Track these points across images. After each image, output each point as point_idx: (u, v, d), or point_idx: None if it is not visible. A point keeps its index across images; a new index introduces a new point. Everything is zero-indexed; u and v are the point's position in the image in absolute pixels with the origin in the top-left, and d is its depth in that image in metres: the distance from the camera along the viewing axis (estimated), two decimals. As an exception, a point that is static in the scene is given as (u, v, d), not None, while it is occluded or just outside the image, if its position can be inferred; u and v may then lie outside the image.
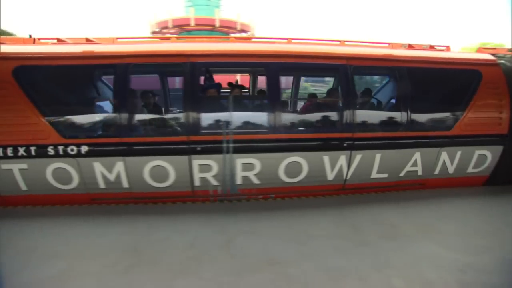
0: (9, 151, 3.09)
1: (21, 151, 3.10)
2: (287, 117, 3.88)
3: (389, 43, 4.31)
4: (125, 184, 3.32)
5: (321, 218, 3.17)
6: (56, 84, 3.51)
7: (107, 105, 3.74)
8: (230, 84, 4.85)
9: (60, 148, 3.14)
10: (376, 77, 6.39)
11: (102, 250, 2.53)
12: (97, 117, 3.54)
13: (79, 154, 3.16)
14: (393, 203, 3.62)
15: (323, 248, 2.60)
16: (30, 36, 3.64)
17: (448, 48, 4.54)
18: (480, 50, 4.64)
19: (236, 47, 3.96)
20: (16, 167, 3.14)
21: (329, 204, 3.58)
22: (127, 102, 3.41)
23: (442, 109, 4.04)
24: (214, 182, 3.44)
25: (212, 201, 3.58)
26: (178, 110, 4.44)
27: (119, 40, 3.87)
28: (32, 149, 3.11)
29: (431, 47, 4.45)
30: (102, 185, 3.29)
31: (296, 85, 5.70)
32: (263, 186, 3.55)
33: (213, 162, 3.33)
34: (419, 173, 3.87)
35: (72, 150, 3.15)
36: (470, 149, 3.90)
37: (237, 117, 3.51)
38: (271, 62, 3.57)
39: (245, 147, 3.37)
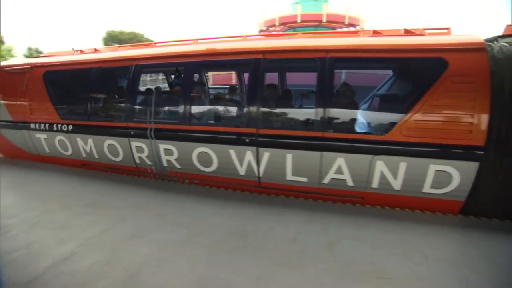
0: (40, 126, 4.74)
1: (42, 126, 4.72)
2: (197, 110, 3.94)
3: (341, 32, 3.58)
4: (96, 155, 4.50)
5: (441, 238, 2.65)
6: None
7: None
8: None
9: (58, 125, 4.57)
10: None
11: (214, 228, 2.85)
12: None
13: (67, 131, 4.54)
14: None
15: (446, 276, 2.17)
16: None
17: (449, 31, 3.30)
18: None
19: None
20: (42, 136, 4.78)
21: (448, 222, 2.96)
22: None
23: (376, 108, 3.44)
24: (148, 161, 4.10)
25: (152, 178, 4.27)
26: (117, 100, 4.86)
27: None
28: (47, 125, 4.68)
29: (407, 31, 3.42)
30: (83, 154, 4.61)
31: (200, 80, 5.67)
32: (185, 171, 3.94)
33: (144, 145, 3.97)
34: (350, 183, 3.21)
35: (65, 128, 4.54)
36: (421, 162, 2.90)
37: (158, 109, 4.13)
38: (182, 62, 4.07)
39: (164, 135, 3.83)
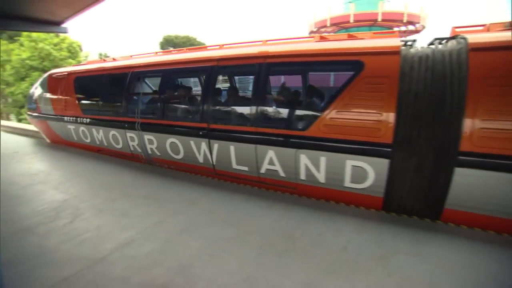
0: (70, 119, 6.10)
1: (71, 119, 6.06)
2: (168, 108, 4.79)
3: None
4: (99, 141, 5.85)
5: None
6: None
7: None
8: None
9: (81, 119, 5.83)
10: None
11: (263, 229, 2.86)
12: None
13: (86, 123, 5.78)
14: None
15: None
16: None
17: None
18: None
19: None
20: (71, 127, 6.14)
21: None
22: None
23: (299, 107, 3.93)
24: (138, 149, 5.05)
25: (143, 163, 5.23)
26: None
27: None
28: (74, 118, 5.98)
29: (350, 36, 3.72)
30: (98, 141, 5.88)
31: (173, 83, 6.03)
32: (163, 157, 4.82)
33: (134, 135, 4.94)
34: (282, 174, 3.63)
35: (85, 121, 5.78)
36: (338, 157, 3.16)
37: (143, 107, 5.05)
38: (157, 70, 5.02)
39: (147, 127, 4.75)
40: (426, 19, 23.23)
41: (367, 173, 3.08)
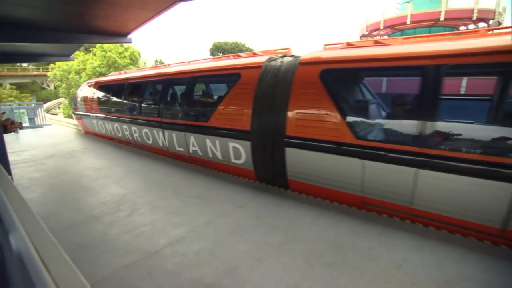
0: (94, 116, 8.45)
1: (94, 116, 8.41)
2: (144, 108, 6.46)
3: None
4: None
5: None
6: None
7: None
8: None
9: (99, 115, 8.12)
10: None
11: (311, 237, 2.79)
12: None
13: (102, 118, 8.03)
14: None
15: None
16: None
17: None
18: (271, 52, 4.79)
19: None
20: (94, 122, 8.54)
21: None
22: None
23: (204, 106, 5.59)
24: (129, 137, 7.13)
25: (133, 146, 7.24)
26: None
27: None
28: (95, 115, 8.36)
29: (254, 54, 5.20)
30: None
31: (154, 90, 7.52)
32: (141, 143, 6.64)
33: (126, 127, 7.00)
34: (200, 153, 5.09)
35: (101, 117, 8.02)
36: (224, 140, 4.50)
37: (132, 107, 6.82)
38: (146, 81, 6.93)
39: (133, 121, 6.64)
40: (503, 14, 20.21)
41: (241, 152, 4.36)
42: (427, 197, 2.84)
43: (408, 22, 20.75)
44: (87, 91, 9.03)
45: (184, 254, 2.55)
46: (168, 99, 6.11)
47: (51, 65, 31.15)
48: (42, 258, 0.84)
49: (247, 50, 33.40)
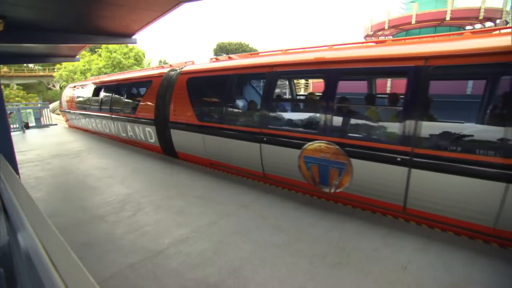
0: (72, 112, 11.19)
1: (73, 112, 11.15)
2: (103, 106, 8.55)
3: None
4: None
5: None
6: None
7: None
8: None
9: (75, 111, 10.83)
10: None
11: (315, 238, 2.78)
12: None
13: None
14: None
15: None
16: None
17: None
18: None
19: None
20: (73, 117, 11.28)
21: None
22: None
23: (133, 103, 7.22)
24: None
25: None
26: None
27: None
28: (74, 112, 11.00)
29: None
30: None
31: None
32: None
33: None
34: (134, 137, 7.41)
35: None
36: (143, 127, 6.74)
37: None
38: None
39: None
40: (510, 13, 19.83)
41: (152, 134, 6.48)
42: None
43: (413, 22, 20.60)
44: (69, 92, 11.50)
45: (188, 254, 2.56)
46: (116, 99, 8.16)
47: (57, 66, 31.57)
48: (50, 256, 0.85)
49: (251, 50, 33.39)
